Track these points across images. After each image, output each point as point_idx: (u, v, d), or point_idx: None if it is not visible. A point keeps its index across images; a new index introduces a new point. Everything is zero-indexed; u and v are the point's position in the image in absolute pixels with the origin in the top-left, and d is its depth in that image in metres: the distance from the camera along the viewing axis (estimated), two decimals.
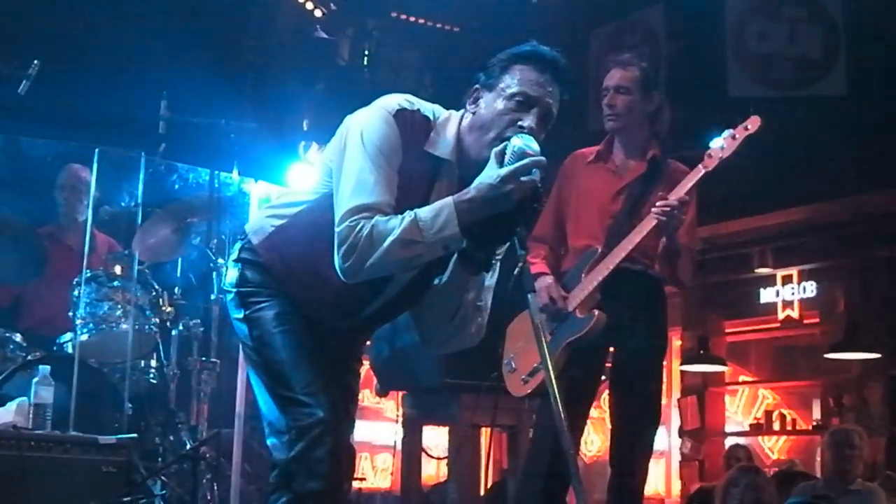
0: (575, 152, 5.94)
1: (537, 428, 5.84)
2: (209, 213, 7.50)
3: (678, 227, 5.36)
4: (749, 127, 5.30)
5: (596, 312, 5.39)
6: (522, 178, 3.34)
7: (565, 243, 5.81)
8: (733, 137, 5.28)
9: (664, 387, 5.90)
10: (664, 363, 5.92)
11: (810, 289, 11.42)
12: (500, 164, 3.39)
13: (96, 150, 6.70)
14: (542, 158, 3.39)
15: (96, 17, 8.40)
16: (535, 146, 3.41)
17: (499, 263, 3.68)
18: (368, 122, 3.55)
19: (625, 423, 5.65)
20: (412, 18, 11.03)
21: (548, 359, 3.25)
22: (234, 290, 3.77)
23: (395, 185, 3.50)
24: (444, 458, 7.39)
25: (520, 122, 3.49)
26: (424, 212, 3.39)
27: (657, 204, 5.28)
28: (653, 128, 5.75)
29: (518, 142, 3.40)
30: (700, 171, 5.33)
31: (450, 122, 3.64)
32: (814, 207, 10.19)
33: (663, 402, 10.54)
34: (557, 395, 3.22)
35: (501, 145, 3.43)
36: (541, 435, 5.71)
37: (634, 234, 5.40)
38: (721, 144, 5.26)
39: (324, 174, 3.68)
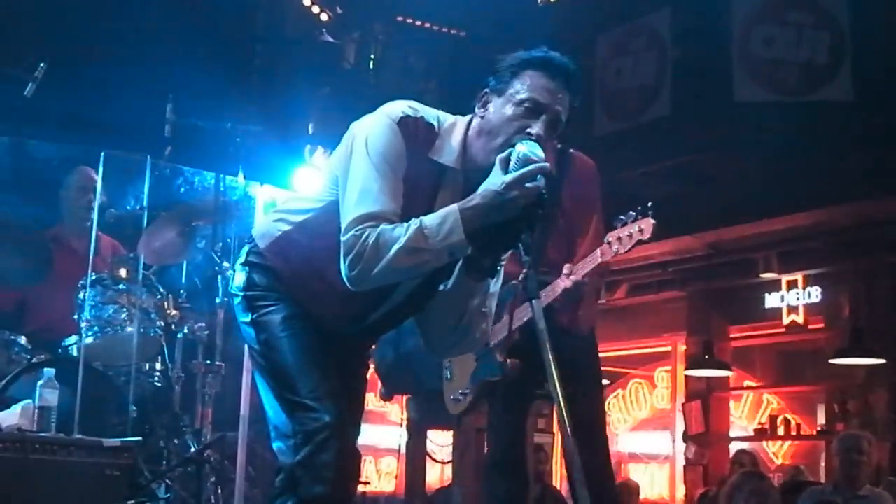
0: None
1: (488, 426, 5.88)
2: (214, 216, 7.50)
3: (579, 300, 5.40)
4: (643, 231, 5.18)
5: (509, 362, 5.35)
6: (527, 185, 3.33)
7: None
8: (629, 236, 5.18)
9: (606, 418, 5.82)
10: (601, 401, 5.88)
11: (815, 294, 11.43)
12: (505, 170, 3.38)
13: (102, 154, 6.70)
14: (547, 164, 3.38)
15: (103, 21, 8.40)
16: (540, 152, 3.41)
17: (503, 270, 3.68)
18: (372, 130, 3.55)
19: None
20: (418, 23, 11.04)
21: (552, 365, 3.25)
22: (242, 293, 3.78)
23: (401, 193, 3.49)
24: (447, 461, 7.40)
25: (528, 129, 3.47)
26: (430, 219, 3.39)
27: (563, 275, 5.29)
28: None
29: (523, 148, 3.40)
30: (595, 260, 5.23)
31: (455, 129, 3.63)
32: (819, 213, 10.19)
33: (667, 406, 10.56)
34: (562, 403, 3.23)
35: (506, 152, 3.43)
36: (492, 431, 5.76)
37: (547, 295, 5.32)
38: (618, 237, 5.19)
39: (330, 181, 3.68)
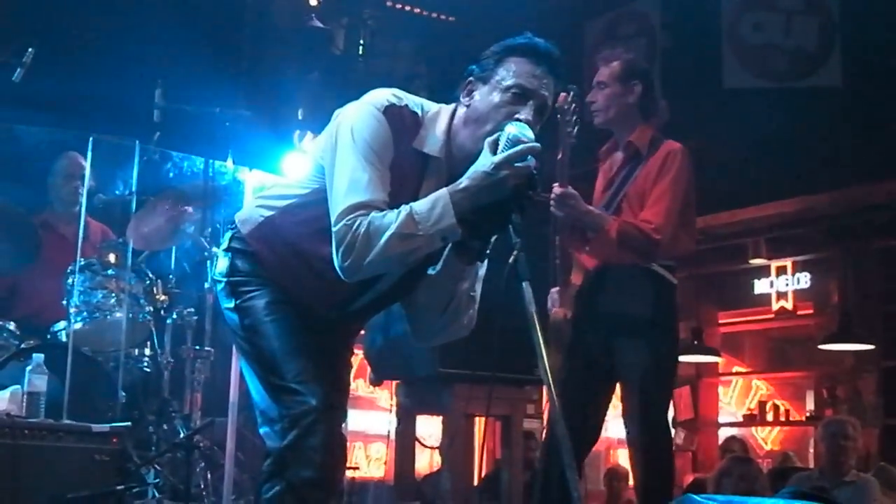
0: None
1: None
2: (203, 201, 7.49)
3: (570, 216, 5.49)
4: None
5: None
6: (517, 164, 3.34)
7: None
8: None
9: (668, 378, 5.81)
10: (671, 356, 5.77)
11: (804, 280, 11.46)
12: (494, 152, 3.39)
13: (91, 139, 6.68)
14: (537, 145, 3.39)
15: (91, 5, 8.37)
16: (530, 133, 3.42)
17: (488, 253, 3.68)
18: (358, 119, 3.54)
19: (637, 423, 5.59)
20: (407, 8, 11.02)
21: (543, 350, 3.25)
22: (225, 279, 3.77)
23: (388, 182, 3.49)
24: (436, 447, 7.40)
25: (516, 116, 3.48)
26: (420, 205, 3.39)
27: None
28: (646, 118, 5.74)
29: (512, 129, 3.41)
30: None
31: (439, 118, 3.63)
32: (808, 199, 10.20)
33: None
34: (553, 386, 3.23)
35: (495, 135, 3.43)
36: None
37: None
38: None
39: (314, 168, 3.68)
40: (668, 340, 5.66)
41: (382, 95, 3.61)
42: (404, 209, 3.39)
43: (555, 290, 5.69)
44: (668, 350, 5.68)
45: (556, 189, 5.45)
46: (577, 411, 5.34)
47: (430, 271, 3.65)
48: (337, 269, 3.46)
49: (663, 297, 5.63)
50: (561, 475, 5.35)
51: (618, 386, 5.62)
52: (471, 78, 3.63)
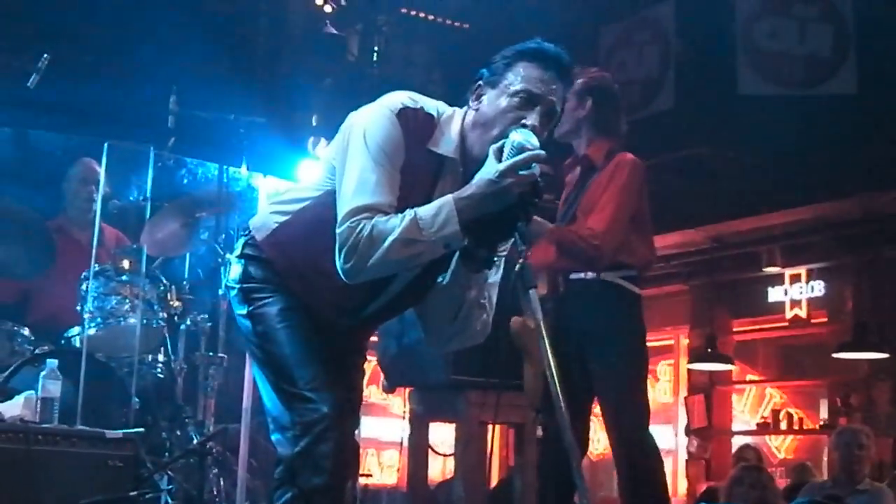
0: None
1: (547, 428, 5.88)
2: (218, 207, 7.51)
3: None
4: None
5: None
6: (521, 172, 3.33)
7: None
8: None
9: (644, 386, 5.82)
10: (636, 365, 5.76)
11: (818, 288, 11.43)
12: (499, 159, 3.38)
13: (105, 145, 6.70)
14: (542, 152, 3.38)
15: (106, 11, 8.39)
16: (535, 140, 3.40)
17: (503, 261, 3.68)
18: (371, 121, 3.55)
19: (614, 435, 5.61)
20: (422, 15, 11.03)
21: (550, 357, 3.25)
22: (238, 286, 3.78)
23: (398, 185, 3.49)
24: (450, 454, 7.39)
25: (523, 121, 3.47)
26: (424, 210, 3.39)
27: None
28: (602, 132, 5.78)
29: (517, 136, 3.40)
30: None
31: (453, 120, 3.63)
32: (823, 206, 10.18)
33: (670, 400, 10.56)
34: (559, 393, 3.23)
35: (500, 142, 3.42)
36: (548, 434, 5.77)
37: None
38: None
39: (327, 171, 3.69)
40: (633, 352, 5.66)
41: (398, 98, 3.61)
42: (409, 214, 3.39)
43: None
44: (634, 362, 5.67)
45: None
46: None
47: (440, 279, 3.65)
48: (339, 270, 3.47)
49: (625, 309, 5.66)
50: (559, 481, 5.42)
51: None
52: (480, 82, 3.63)
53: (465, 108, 3.67)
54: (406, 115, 3.55)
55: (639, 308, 5.68)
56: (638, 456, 5.54)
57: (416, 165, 3.55)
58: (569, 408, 5.47)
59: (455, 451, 6.85)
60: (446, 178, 3.58)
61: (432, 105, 3.66)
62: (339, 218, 3.45)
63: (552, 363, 3.23)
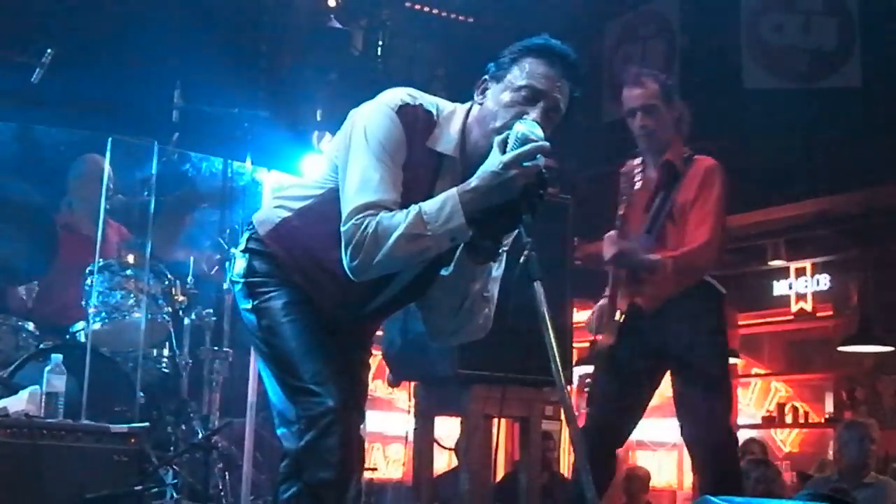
0: (628, 163, 5.98)
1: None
2: (222, 202, 7.51)
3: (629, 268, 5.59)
4: None
5: None
6: (526, 164, 3.33)
7: None
8: None
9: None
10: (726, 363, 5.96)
11: (824, 282, 11.42)
12: (503, 151, 3.37)
13: (109, 139, 6.70)
14: (546, 144, 3.37)
15: (110, 5, 8.39)
16: (539, 132, 3.40)
17: (506, 254, 3.67)
18: (372, 119, 3.55)
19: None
20: (426, 9, 11.02)
21: (555, 350, 3.24)
22: (242, 280, 3.78)
23: (400, 182, 3.50)
24: (452, 448, 7.40)
25: (525, 116, 3.47)
26: (429, 205, 3.39)
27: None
28: (677, 131, 5.78)
29: (521, 128, 3.39)
30: None
31: (454, 117, 3.63)
32: (827, 200, 10.16)
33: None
34: (565, 389, 3.23)
35: (504, 133, 3.42)
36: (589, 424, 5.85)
37: None
38: None
39: (329, 168, 3.69)
40: (725, 350, 5.86)
41: (397, 95, 3.61)
42: (413, 209, 3.39)
43: (601, 304, 5.76)
44: (726, 359, 5.90)
45: (612, 248, 5.56)
46: (612, 422, 5.72)
47: (444, 272, 3.64)
48: (346, 268, 3.46)
49: (717, 308, 5.78)
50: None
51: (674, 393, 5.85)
52: (486, 76, 3.63)
53: (468, 103, 3.67)
54: (406, 112, 3.56)
55: (725, 306, 5.85)
56: (731, 453, 5.76)
57: (416, 163, 3.55)
58: (627, 401, 5.62)
59: (459, 444, 6.85)
60: (445, 177, 3.58)
61: (432, 102, 3.66)
62: (344, 216, 3.45)
63: (556, 355, 3.23)
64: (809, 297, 11.58)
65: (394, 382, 7.56)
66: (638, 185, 5.86)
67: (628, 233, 5.74)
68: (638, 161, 5.89)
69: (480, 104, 3.61)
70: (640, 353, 5.66)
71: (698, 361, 5.61)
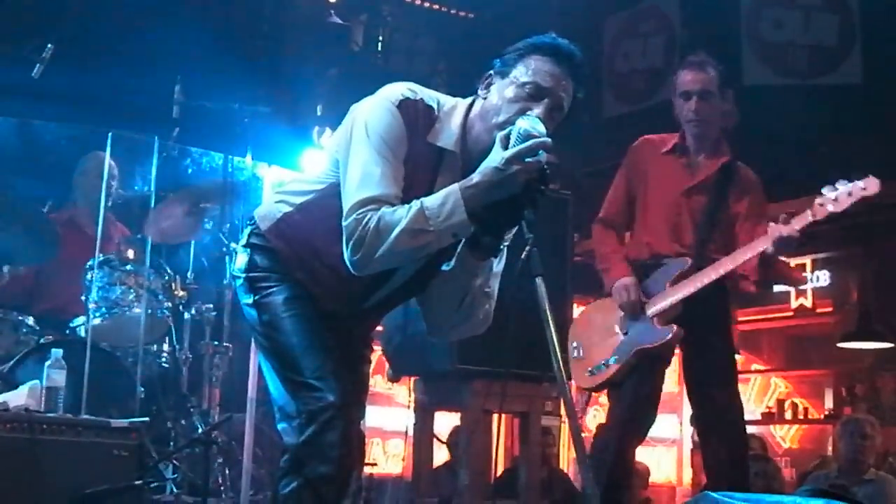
0: (646, 137, 5.99)
1: (607, 425, 5.99)
2: (222, 197, 7.52)
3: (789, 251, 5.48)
4: (866, 189, 5.20)
5: (675, 328, 5.50)
6: (528, 160, 3.32)
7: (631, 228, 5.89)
8: (849, 194, 5.21)
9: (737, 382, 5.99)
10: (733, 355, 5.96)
11: (823, 278, 11.42)
12: (506, 147, 3.37)
13: (110, 134, 6.70)
14: (549, 140, 3.37)
15: (110, 1, 8.38)
16: (541, 128, 3.40)
17: (506, 250, 3.67)
18: (372, 113, 3.55)
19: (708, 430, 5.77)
20: (426, 4, 11.00)
21: (555, 345, 3.25)
22: (244, 275, 3.78)
23: (402, 177, 3.50)
24: (444, 441, 7.41)
25: (528, 112, 3.47)
26: (431, 200, 3.39)
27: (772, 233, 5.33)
28: (724, 122, 5.79)
29: (523, 123, 3.40)
30: (807, 218, 5.32)
31: (455, 112, 3.63)
32: None
33: (675, 389, 10.58)
34: (566, 385, 3.23)
35: (506, 129, 3.42)
36: (608, 428, 5.89)
37: (738, 255, 5.47)
38: (835, 196, 5.21)
39: (331, 163, 3.69)
40: (731, 338, 5.89)
41: (397, 90, 3.61)
42: (415, 204, 3.39)
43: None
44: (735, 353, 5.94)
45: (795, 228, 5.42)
46: (643, 403, 5.80)
47: (445, 267, 3.65)
48: (347, 262, 3.47)
49: (728, 303, 5.87)
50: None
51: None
52: (491, 72, 3.64)
53: (470, 98, 3.67)
54: (407, 107, 3.56)
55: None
56: (744, 445, 5.82)
57: (416, 158, 3.56)
58: (646, 396, 5.62)
59: (452, 439, 6.86)
60: (446, 172, 3.58)
61: (432, 97, 3.66)
62: (345, 211, 3.46)
63: (558, 351, 3.24)
64: (809, 294, 11.57)
65: (393, 377, 7.55)
66: (677, 161, 5.86)
67: (639, 204, 5.83)
68: (665, 138, 5.88)
69: (484, 99, 3.61)
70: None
71: (723, 352, 5.72)
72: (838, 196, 5.13)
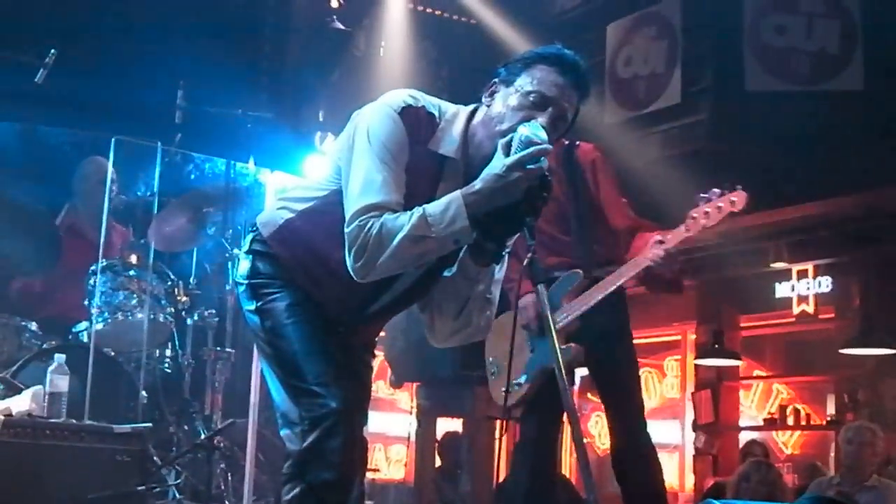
0: None
1: (518, 443, 5.83)
2: (225, 203, 7.53)
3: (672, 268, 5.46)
4: (735, 203, 5.23)
5: (573, 346, 5.38)
6: (529, 167, 3.33)
7: None
8: (719, 209, 5.23)
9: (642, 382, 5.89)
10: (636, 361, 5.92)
11: (826, 284, 11.39)
12: (507, 154, 3.38)
13: (113, 140, 6.71)
14: (550, 146, 3.38)
15: (113, 6, 8.40)
16: (543, 135, 3.39)
17: (508, 256, 3.67)
18: (374, 120, 3.55)
19: (619, 427, 5.67)
20: (429, 10, 11.02)
21: (558, 350, 3.26)
22: (246, 281, 3.78)
23: (403, 184, 3.49)
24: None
25: (532, 120, 3.47)
26: (433, 207, 3.39)
27: (652, 251, 5.31)
28: None
29: (525, 130, 3.39)
30: (682, 234, 5.29)
31: (457, 119, 3.63)
32: (830, 202, 10.15)
33: (677, 395, 10.58)
34: (568, 391, 3.23)
35: (508, 136, 3.42)
36: (520, 450, 5.75)
37: (625, 270, 5.45)
38: (706, 211, 5.22)
39: (332, 169, 3.69)
40: (632, 346, 5.84)
41: (399, 96, 3.61)
42: (417, 211, 3.39)
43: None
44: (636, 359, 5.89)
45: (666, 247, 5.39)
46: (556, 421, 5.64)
47: (447, 273, 3.65)
48: (349, 269, 3.47)
49: (625, 306, 5.81)
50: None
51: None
52: (496, 80, 3.64)
53: (472, 106, 3.67)
54: (409, 114, 3.56)
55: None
56: (648, 450, 5.66)
57: (418, 165, 3.55)
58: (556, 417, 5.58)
59: (462, 444, 6.87)
60: (448, 180, 3.57)
61: (434, 103, 3.66)
62: (347, 217, 3.46)
63: (560, 357, 3.24)
64: (811, 300, 11.55)
65: (396, 383, 7.58)
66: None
67: None
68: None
69: (488, 107, 3.61)
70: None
71: (624, 358, 5.72)
72: (710, 211, 5.15)
